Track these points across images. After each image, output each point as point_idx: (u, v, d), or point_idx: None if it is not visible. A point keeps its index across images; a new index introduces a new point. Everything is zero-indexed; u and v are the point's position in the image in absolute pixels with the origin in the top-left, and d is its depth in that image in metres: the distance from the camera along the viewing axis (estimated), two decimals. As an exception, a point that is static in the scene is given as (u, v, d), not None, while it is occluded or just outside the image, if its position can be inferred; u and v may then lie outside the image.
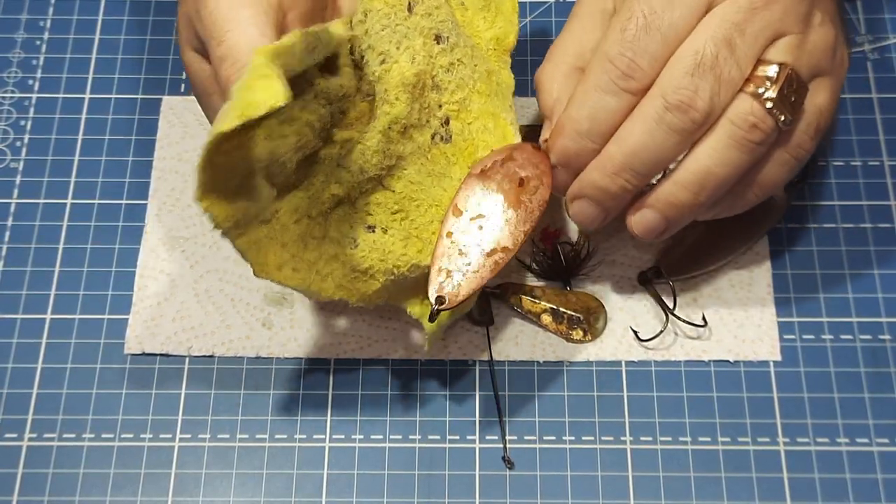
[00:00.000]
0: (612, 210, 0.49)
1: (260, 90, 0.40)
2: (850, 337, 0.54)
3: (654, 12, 0.46)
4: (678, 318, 0.54)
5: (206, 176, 0.41)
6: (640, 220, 0.49)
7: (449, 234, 0.47)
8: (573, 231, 0.56)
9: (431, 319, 0.47)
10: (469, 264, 0.47)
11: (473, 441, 0.52)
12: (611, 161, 0.47)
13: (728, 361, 0.54)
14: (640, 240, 0.50)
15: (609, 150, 0.47)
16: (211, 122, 0.51)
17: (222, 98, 0.45)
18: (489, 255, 0.47)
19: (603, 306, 0.55)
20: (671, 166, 0.47)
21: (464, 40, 0.50)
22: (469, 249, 0.47)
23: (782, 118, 0.47)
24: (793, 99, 0.47)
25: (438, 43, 0.49)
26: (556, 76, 0.50)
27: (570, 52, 0.50)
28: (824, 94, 0.49)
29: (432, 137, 0.49)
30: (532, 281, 0.56)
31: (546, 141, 0.49)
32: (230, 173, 0.42)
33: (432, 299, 0.46)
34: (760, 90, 0.46)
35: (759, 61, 0.47)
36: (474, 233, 0.47)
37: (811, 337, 0.54)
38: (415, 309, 0.50)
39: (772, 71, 0.47)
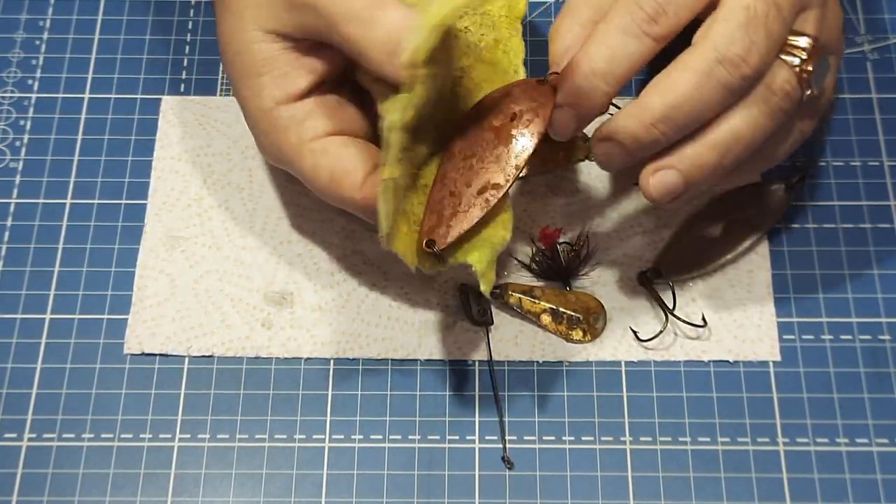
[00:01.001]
0: (638, 157, 0.47)
1: None
2: (849, 337, 0.54)
3: None
4: (678, 318, 0.54)
5: (429, 44, 0.42)
6: (661, 180, 0.47)
7: (442, 177, 0.47)
8: (573, 231, 0.56)
9: (431, 260, 0.47)
10: (459, 204, 0.46)
11: (473, 441, 0.52)
12: (650, 111, 0.45)
13: (728, 362, 0.54)
14: (653, 201, 0.48)
15: (649, 99, 0.45)
16: (244, 106, 0.50)
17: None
18: (479, 193, 0.47)
19: (602, 306, 0.55)
20: None
21: (473, 8, 0.50)
22: (459, 189, 0.47)
23: (809, 91, 0.46)
24: (821, 73, 0.47)
25: None
26: (572, 27, 0.48)
27: (589, 4, 0.48)
28: (832, 74, 0.49)
29: None
30: (532, 281, 0.56)
31: (553, 74, 0.47)
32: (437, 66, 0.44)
33: (422, 242, 0.46)
34: (797, 61, 0.46)
35: (792, 31, 0.46)
36: (465, 172, 0.47)
37: (811, 337, 0.54)
38: (469, 257, 0.48)
39: (805, 42, 0.46)
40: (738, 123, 0.46)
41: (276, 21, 0.48)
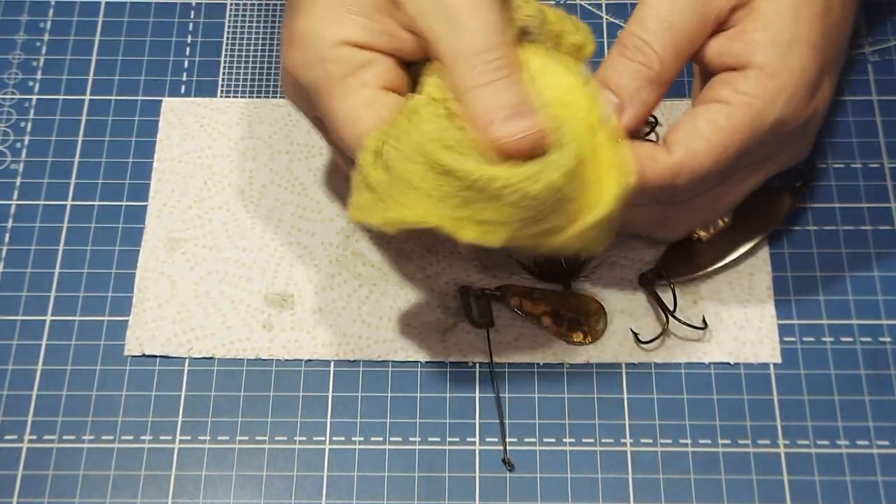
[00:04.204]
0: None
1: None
2: (850, 339, 0.54)
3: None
4: (678, 320, 0.54)
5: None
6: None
7: None
8: (573, 233, 0.56)
9: None
10: None
11: (473, 443, 0.52)
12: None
13: (728, 363, 0.54)
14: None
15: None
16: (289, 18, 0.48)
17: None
18: None
19: (603, 308, 0.55)
20: None
21: (543, 39, 0.50)
22: None
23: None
24: None
25: (525, 36, 0.48)
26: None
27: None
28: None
29: None
30: (532, 283, 0.56)
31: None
32: None
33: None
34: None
35: None
36: None
37: (811, 339, 0.54)
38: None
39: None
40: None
41: (358, 30, 0.46)
